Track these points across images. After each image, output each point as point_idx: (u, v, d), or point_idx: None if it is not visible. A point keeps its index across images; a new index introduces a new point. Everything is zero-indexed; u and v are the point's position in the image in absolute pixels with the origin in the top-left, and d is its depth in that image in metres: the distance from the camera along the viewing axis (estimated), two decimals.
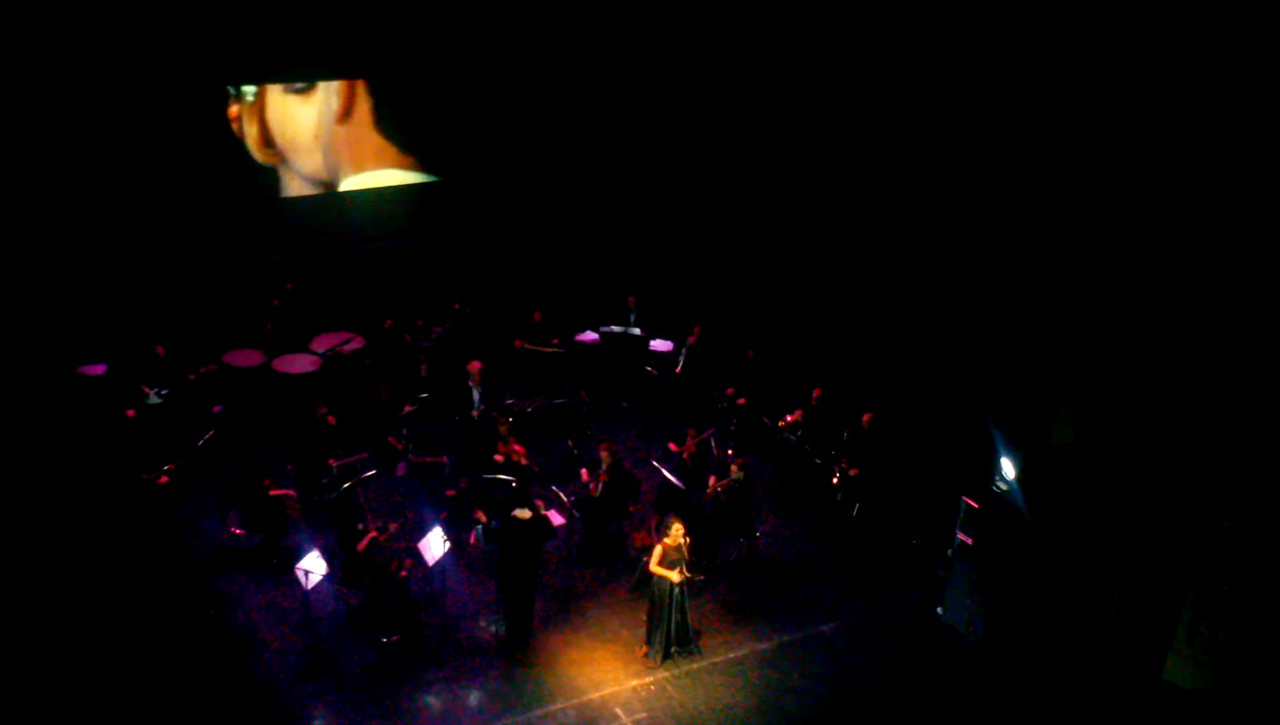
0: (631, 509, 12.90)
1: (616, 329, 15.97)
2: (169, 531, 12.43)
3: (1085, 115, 12.51)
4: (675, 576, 10.89)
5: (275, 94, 16.13)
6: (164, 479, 12.43)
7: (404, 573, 11.18)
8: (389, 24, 16.41)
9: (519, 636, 11.20)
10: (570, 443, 14.13)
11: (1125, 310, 12.09)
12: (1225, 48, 11.05)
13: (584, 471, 12.93)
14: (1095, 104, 12.38)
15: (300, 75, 16.22)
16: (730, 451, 13.84)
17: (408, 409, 13.63)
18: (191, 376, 14.10)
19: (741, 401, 14.60)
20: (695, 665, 11.21)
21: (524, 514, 10.85)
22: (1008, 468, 11.37)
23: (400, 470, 13.32)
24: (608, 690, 10.84)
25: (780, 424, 14.01)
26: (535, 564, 11.28)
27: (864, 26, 15.33)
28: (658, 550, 10.94)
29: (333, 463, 12.79)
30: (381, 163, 17.32)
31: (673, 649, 11.20)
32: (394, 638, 10.96)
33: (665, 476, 12.71)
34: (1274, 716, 10.44)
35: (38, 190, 14.51)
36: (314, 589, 10.91)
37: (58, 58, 14.21)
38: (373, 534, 11.20)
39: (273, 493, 11.96)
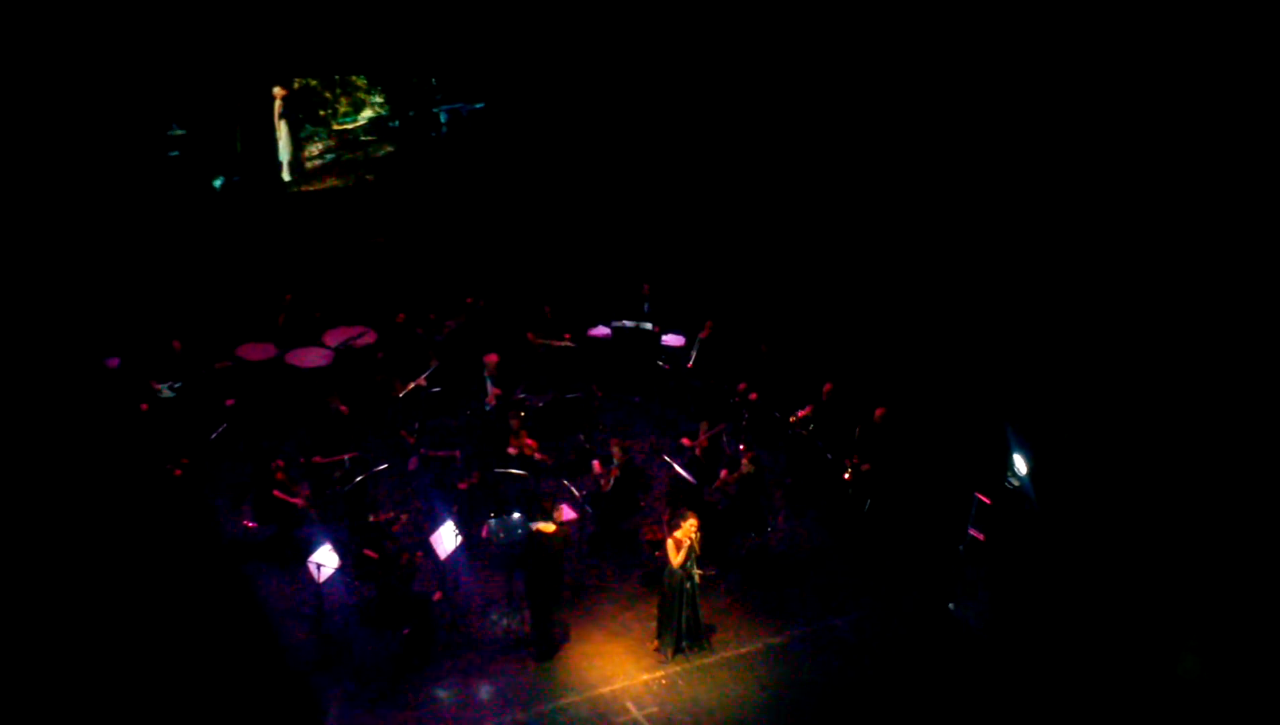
0: (643, 504, 12.91)
1: (628, 324, 15.96)
2: (193, 522, 12.50)
3: (1109, 114, 12.48)
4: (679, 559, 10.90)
5: None
6: (178, 473, 12.49)
7: (415, 563, 11.20)
8: (394, 21, 16.48)
9: (546, 640, 11.20)
10: (582, 437, 14.16)
11: (1135, 305, 12.06)
12: (1225, 48, 11.03)
13: (596, 464, 12.95)
14: (1117, 104, 12.34)
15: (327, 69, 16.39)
16: (742, 446, 13.83)
17: (421, 382, 13.76)
18: (204, 371, 14.15)
19: (753, 396, 14.59)
20: (706, 659, 11.22)
21: (548, 527, 10.83)
22: (1020, 464, 11.35)
23: (412, 464, 13.35)
24: (619, 684, 10.86)
25: (792, 419, 14.00)
26: (560, 573, 11.25)
27: (881, 20, 15.29)
28: (670, 544, 10.94)
29: (346, 456, 12.84)
30: None
31: (684, 643, 11.21)
32: (406, 630, 10.99)
33: (677, 471, 12.71)
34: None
35: (48, 186, 14.59)
36: (326, 582, 10.95)
37: (87, 52, 14.32)
38: (388, 522, 11.23)
39: (279, 495, 11.99)
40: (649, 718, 10.48)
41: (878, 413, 13.29)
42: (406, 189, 17.84)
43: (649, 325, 15.90)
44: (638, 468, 12.91)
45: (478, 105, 17.99)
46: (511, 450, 12.82)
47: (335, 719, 10.31)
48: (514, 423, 13.02)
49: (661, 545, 11.11)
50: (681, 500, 12.29)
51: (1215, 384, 11.26)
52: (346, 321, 15.68)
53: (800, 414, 13.96)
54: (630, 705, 10.61)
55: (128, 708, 10.03)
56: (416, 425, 13.54)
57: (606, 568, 12.47)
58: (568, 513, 12.02)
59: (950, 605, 12.03)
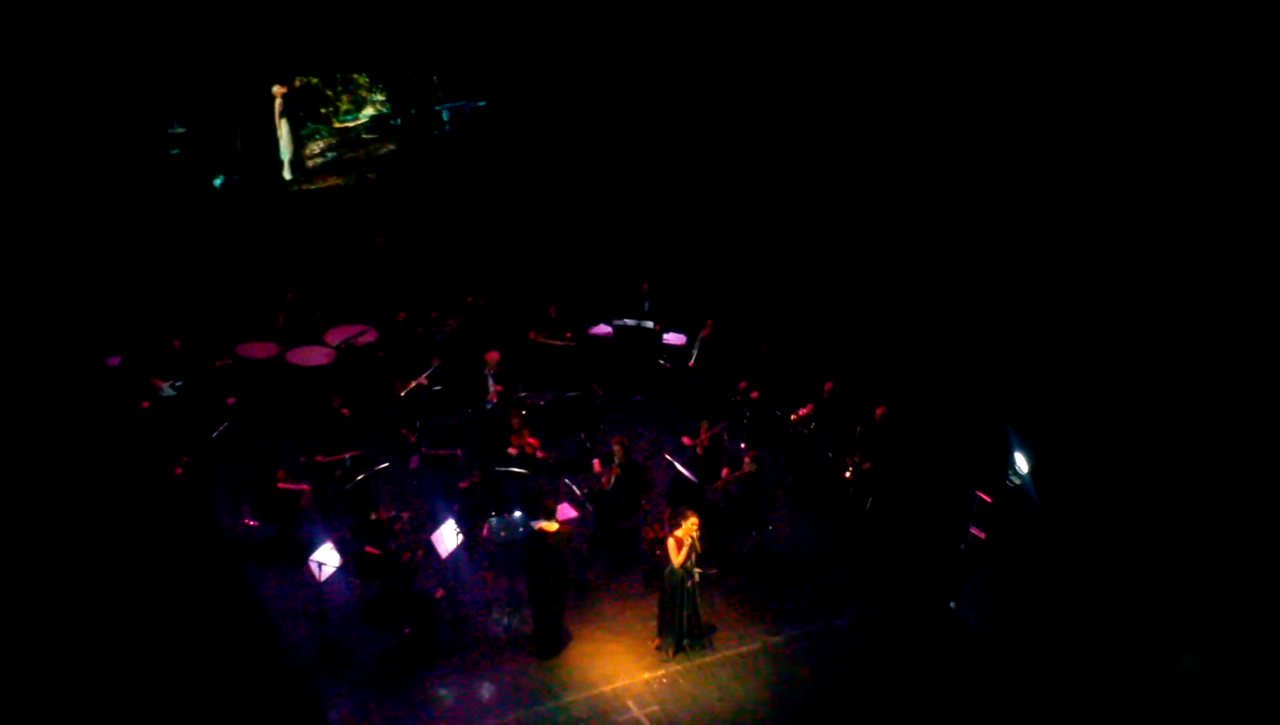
0: (644, 502, 12.91)
1: (630, 322, 15.96)
2: (193, 521, 12.51)
3: (1108, 115, 12.46)
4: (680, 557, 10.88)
5: None
6: (178, 471, 12.50)
7: (416, 561, 11.21)
8: (395, 18, 16.49)
9: (548, 640, 11.22)
10: (583, 435, 14.15)
11: (1134, 304, 12.04)
12: (1225, 48, 11.01)
13: (596, 463, 12.95)
14: (1117, 104, 12.33)
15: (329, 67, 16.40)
16: (743, 445, 13.83)
17: (423, 380, 13.76)
18: (205, 369, 14.16)
19: (754, 395, 14.59)
20: (707, 658, 11.22)
21: (549, 526, 10.83)
22: (1021, 462, 11.34)
23: (413, 463, 13.35)
24: (620, 683, 10.86)
25: (793, 417, 13.99)
26: (562, 572, 11.26)
27: (880, 19, 15.27)
28: (672, 543, 10.94)
29: (347, 455, 12.84)
30: None
31: (685, 642, 11.21)
32: (407, 629, 10.99)
33: (678, 470, 12.71)
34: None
35: (49, 184, 14.59)
36: (327, 581, 10.95)
37: (87, 50, 14.33)
38: (390, 521, 11.23)
39: (284, 487, 12.00)
40: (650, 716, 10.48)
41: (879, 411, 13.28)
42: (408, 187, 17.83)
43: (650, 324, 15.90)
44: (639, 466, 12.90)
45: (480, 103, 17.98)
46: (513, 449, 12.83)
47: (335, 719, 10.31)
48: (515, 421, 13.03)
49: (662, 544, 11.11)
50: (682, 499, 12.30)
51: (1215, 382, 11.24)
52: (348, 320, 15.68)
53: (801, 413, 13.95)
54: (631, 704, 10.61)
55: (128, 707, 10.04)
56: (418, 424, 13.54)
57: (607, 566, 12.46)
58: (569, 511, 12.03)
59: (951, 604, 12.03)
